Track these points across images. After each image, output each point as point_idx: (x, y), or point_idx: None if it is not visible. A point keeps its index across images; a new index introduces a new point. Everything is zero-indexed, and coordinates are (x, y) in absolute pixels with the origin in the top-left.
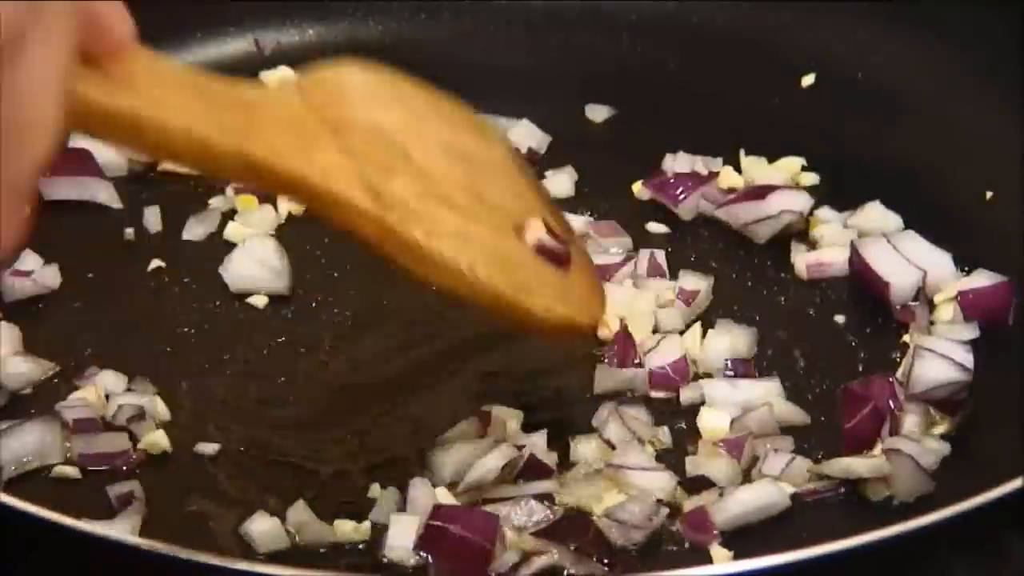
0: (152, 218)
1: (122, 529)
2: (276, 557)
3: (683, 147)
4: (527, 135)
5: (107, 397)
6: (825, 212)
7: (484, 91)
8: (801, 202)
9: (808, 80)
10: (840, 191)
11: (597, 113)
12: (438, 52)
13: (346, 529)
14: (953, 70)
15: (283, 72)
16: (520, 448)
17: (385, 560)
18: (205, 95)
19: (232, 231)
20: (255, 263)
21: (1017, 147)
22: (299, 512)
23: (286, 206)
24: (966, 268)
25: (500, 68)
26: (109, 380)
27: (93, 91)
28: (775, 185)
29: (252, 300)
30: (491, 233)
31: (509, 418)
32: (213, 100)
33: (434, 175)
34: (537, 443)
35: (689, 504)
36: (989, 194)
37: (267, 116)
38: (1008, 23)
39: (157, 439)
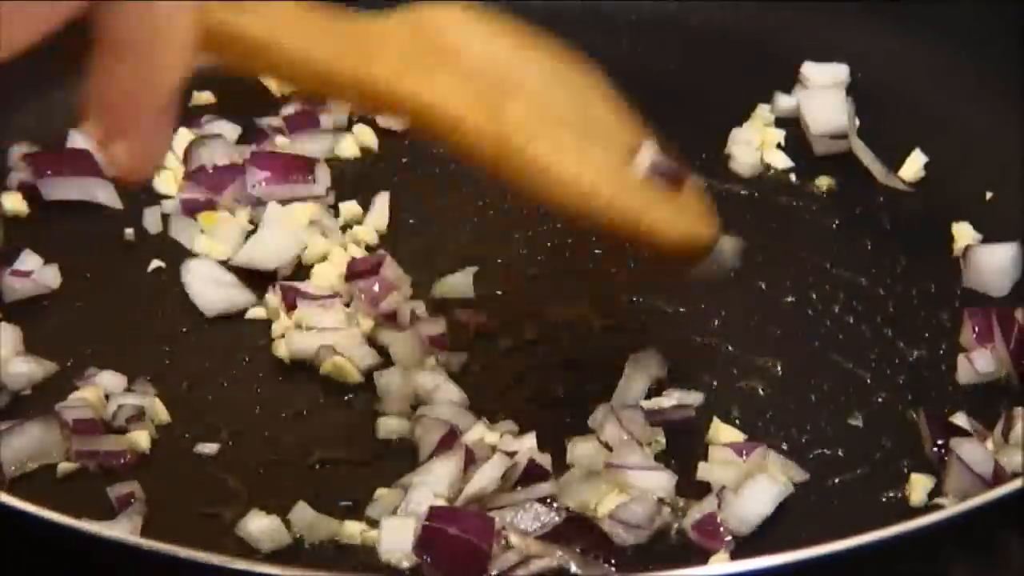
0: (152, 218)
1: (122, 529)
2: (277, 556)
3: (683, 147)
4: None
5: (107, 397)
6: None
7: None
8: None
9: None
10: (840, 191)
11: None
12: None
13: (353, 531)
14: (953, 70)
15: None
16: (512, 455)
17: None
18: (324, 23)
19: (202, 245)
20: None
21: (1017, 147)
22: (302, 512)
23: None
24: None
25: None
26: (109, 380)
27: (221, 14)
28: None
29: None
30: (607, 154)
31: (490, 434)
32: (333, 27)
33: (547, 100)
34: (529, 446)
35: (696, 510)
36: (989, 194)
37: (386, 43)
38: (1008, 23)
39: (143, 439)
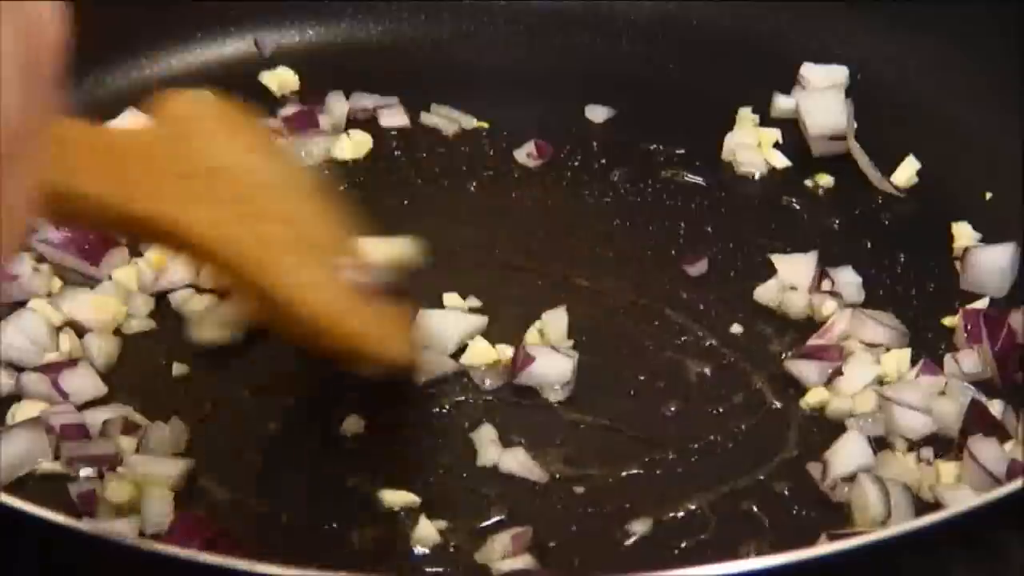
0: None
1: (122, 529)
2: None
3: (682, 147)
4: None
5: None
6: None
7: (484, 91)
8: None
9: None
10: (840, 191)
11: (597, 113)
12: (438, 52)
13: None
14: (953, 70)
15: (283, 72)
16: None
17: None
18: (107, 159)
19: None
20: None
21: (1017, 147)
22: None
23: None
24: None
25: (500, 68)
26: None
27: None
28: None
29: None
30: (322, 270)
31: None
32: (113, 162)
33: (274, 214)
34: (519, 459)
35: None
36: (989, 194)
37: (147, 172)
38: (1008, 23)
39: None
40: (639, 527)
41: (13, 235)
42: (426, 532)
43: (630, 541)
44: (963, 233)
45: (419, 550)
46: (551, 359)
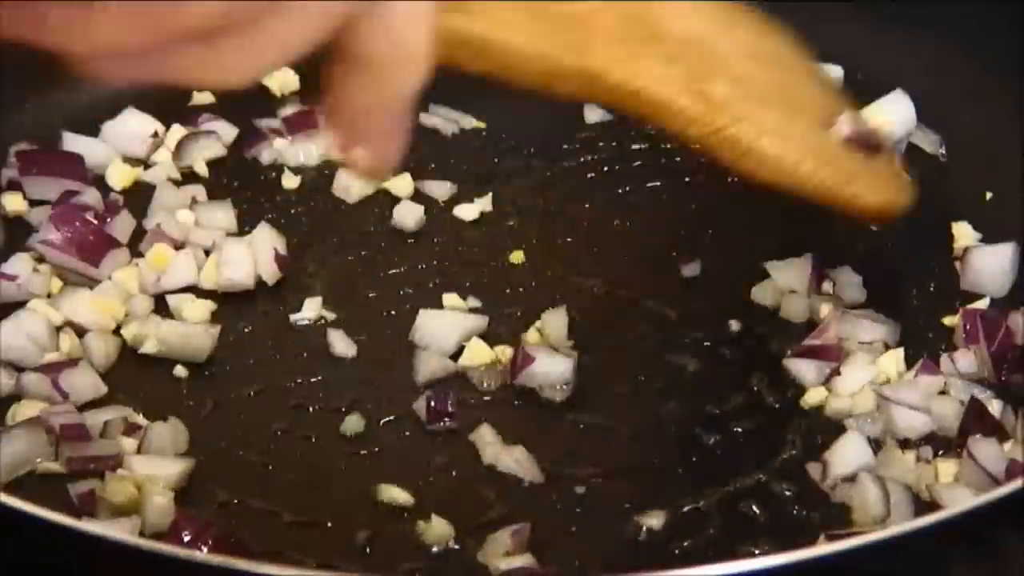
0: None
1: (122, 529)
2: (276, 556)
3: (680, 147)
4: None
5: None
6: None
7: (484, 91)
8: None
9: None
10: None
11: (595, 114)
12: None
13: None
14: (953, 70)
15: (283, 72)
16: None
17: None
18: (538, 15)
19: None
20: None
21: (1017, 147)
22: None
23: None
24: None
25: None
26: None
27: (450, 21)
28: None
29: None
30: (807, 128)
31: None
32: (546, 19)
33: (748, 78)
34: (519, 459)
35: None
36: (989, 194)
37: (595, 31)
38: (1008, 23)
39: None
40: (639, 527)
41: (406, 80)
42: (426, 532)
43: (630, 541)
44: (963, 233)
45: (419, 550)
46: (551, 359)
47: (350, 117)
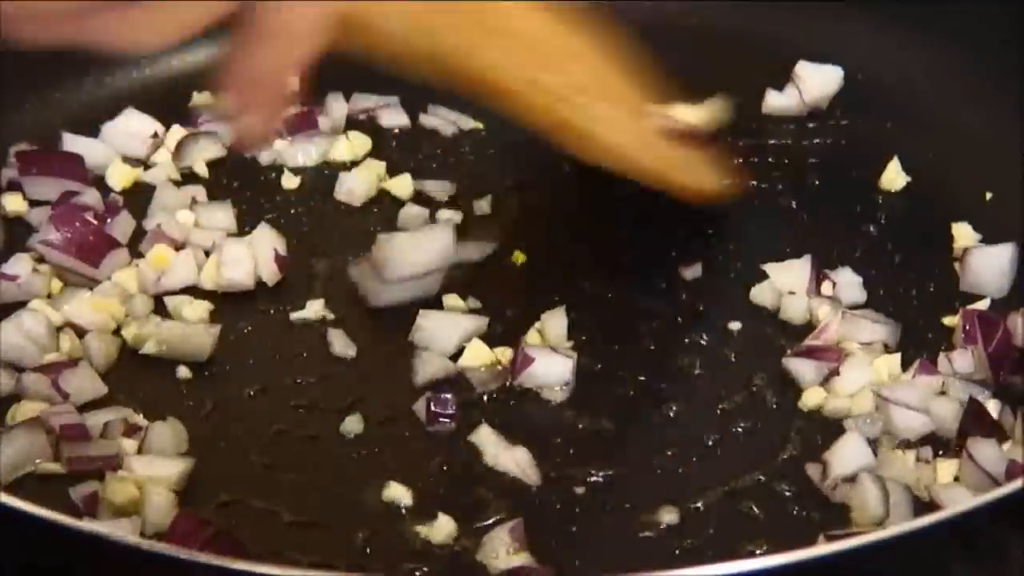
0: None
1: (123, 529)
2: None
3: None
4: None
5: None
6: None
7: None
8: None
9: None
10: (839, 189)
11: None
12: None
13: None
14: (953, 70)
15: None
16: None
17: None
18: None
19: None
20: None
21: (1017, 147)
22: None
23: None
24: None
25: None
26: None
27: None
28: None
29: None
30: (629, 119)
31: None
32: (416, 6)
33: (577, 72)
34: (519, 459)
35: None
36: (989, 194)
37: (447, 22)
38: (1008, 23)
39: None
40: (639, 527)
41: (297, 53)
42: (426, 532)
43: (630, 541)
44: (963, 233)
45: (419, 550)
46: (551, 360)
47: (244, 84)
